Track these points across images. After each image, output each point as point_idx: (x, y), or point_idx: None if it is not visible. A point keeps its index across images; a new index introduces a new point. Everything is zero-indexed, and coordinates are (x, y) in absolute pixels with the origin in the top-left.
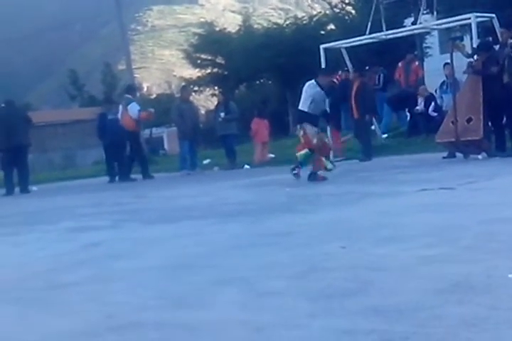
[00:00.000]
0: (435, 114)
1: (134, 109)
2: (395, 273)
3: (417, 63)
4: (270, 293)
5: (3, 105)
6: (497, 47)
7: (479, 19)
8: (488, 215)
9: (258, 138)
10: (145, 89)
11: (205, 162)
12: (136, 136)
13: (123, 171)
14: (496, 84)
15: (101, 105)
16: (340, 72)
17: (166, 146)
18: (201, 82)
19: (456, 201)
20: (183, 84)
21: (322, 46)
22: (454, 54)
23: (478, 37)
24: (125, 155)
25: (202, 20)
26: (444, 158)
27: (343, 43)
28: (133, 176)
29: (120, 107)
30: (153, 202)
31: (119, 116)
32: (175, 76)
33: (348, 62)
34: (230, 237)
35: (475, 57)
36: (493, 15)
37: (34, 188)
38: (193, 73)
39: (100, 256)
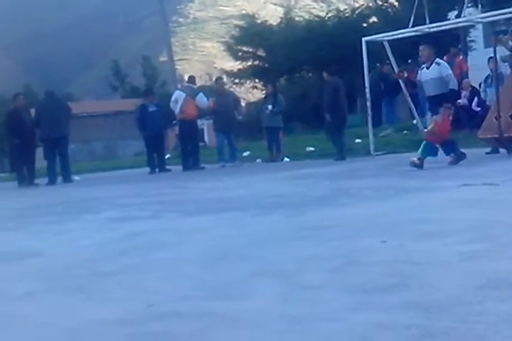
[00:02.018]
0: (478, 109)
1: (204, 98)
2: (436, 269)
3: (461, 57)
4: (309, 286)
5: (44, 96)
6: None
7: None
8: None
9: None
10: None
11: (245, 154)
12: (196, 125)
13: (163, 162)
14: None
15: (142, 97)
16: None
17: (206, 138)
18: (242, 75)
19: (499, 197)
20: (218, 76)
21: (364, 39)
22: (497, 48)
23: None
24: (165, 146)
25: (243, 12)
26: (487, 153)
27: (385, 36)
28: (168, 167)
29: (179, 94)
30: (194, 194)
31: (179, 103)
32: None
33: (390, 56)
34: (269, 229)
35: None
36: None
37: (76, 178)
38: (234, 65)
39: (141, 245)
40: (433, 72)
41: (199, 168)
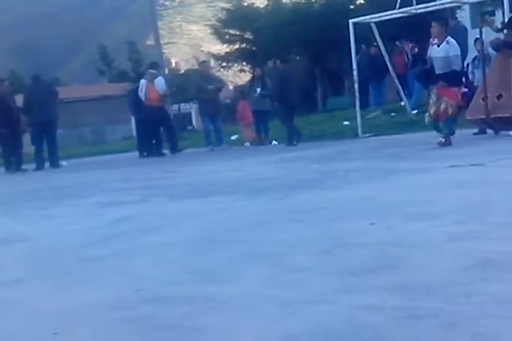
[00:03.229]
0: (466, 90)
1: (161, 83)
2: (424, 250)
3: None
4: (297, 269)
5: (30, 81)
6: None
7: None
8: None
9: (245, 121)
10: (173, 64)
11: (233, 138)
12: (163, 111)
13: (154, 146)
14: None
15: (131, 81)
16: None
17: (193, 122)
18: (229, 58)
19: (487, 177)
20: (202, 59)
21: (351, 21)
22: (483, 29)
23: (511, 11)
24: (157, 130)
25: None
26: (474, 134)
27: (372, 18)
28: (164, 151)
29: (143, 82)
30: (182, 178)
31: (143, 91)
32: (203, 51)
33: (377, 37)
34: (258, 213)
35: (505, 31)
36: None
37: (64, 163)
38: (221, 49)
39: (129, 230)
40: (442, 51)
41: (178, 151)
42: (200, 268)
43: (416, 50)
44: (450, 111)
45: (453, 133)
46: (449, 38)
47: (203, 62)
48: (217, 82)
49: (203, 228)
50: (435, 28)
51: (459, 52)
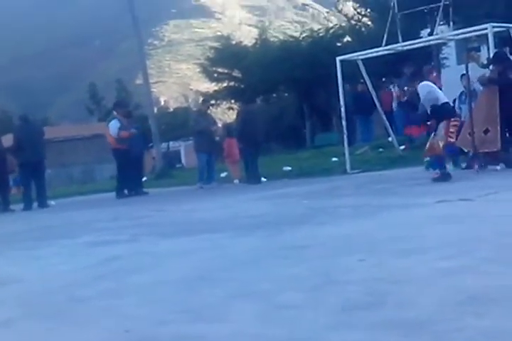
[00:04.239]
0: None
1: (113, 127)
2: (414, 286)
3: (434, 74)
4: (288, 306)
5: (19, 121)
6: None
7: (496, 29)
8: (507, 227)
9: (231, 158)
10: (162, 103)
11: (223, 175)
12: (120, 154)
13: (141, 184)
14: None
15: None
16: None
17: (183, 160)
18: (218, 96)
19: (475, 212)
20: (203, 98)
21: (338, 58)
22: (469, 65)
23: (495, 47)
24: (121, 172)
25: (218, 33)
26: (462, 169)
27: (359, 55)
28: (145, 190)
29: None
30: (171, 216)
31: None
32: (191, 90)
33: (364, 75)
34: (248, 250)
35: (490, 67)
36: (510, 25)
37: (52, 203)
38: (210, 87)
39: (119, 270)
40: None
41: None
42: (189, 307)
43: (405, 98)
44: (436, 149)
45: (444, 171)
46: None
47: (205, 100)
48: (213, 121)
49: (192, 266)
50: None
51: (425, 93)
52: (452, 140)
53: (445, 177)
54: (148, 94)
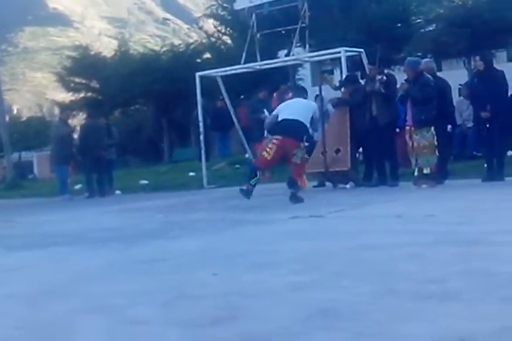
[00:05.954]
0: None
1: None
2: (266, 300)
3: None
4: (139, 321)
5: None
6: (363, 81)
7: (348, 53)
8: (355, 242)
9: None
10: (15, 111)
11: (77, 187)
12: None
13: None
14: (363, 116)
15: None
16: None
17: (35, 170)
18: (74, 106)
19: (325, 228)
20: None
21: (198, 74)
22: (322, 86)
23: (348, 70)
24: None
25: (76, 43)
26: (314, 186)
27: (218, 72)
28: None
29: None
30: (19, 228)
31: None
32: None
33: (223, 91)
34: (99, 264)
35: (342, 89)
36: (362, 50)
37: None
38: (66, 97)
39: None
40: None
41: None
42: (35, 322)
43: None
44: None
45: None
46: None
47: (66, 109)
48: (72, 131)
49: (41, 280)
50: None
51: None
52: (265, 155)
53: (298, 199)
54: None
